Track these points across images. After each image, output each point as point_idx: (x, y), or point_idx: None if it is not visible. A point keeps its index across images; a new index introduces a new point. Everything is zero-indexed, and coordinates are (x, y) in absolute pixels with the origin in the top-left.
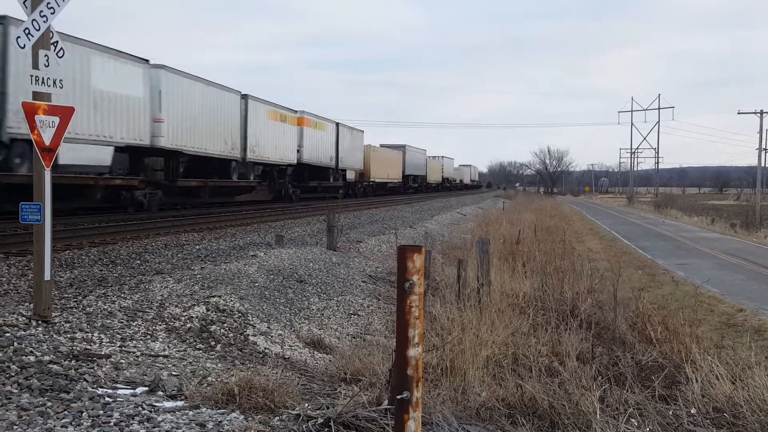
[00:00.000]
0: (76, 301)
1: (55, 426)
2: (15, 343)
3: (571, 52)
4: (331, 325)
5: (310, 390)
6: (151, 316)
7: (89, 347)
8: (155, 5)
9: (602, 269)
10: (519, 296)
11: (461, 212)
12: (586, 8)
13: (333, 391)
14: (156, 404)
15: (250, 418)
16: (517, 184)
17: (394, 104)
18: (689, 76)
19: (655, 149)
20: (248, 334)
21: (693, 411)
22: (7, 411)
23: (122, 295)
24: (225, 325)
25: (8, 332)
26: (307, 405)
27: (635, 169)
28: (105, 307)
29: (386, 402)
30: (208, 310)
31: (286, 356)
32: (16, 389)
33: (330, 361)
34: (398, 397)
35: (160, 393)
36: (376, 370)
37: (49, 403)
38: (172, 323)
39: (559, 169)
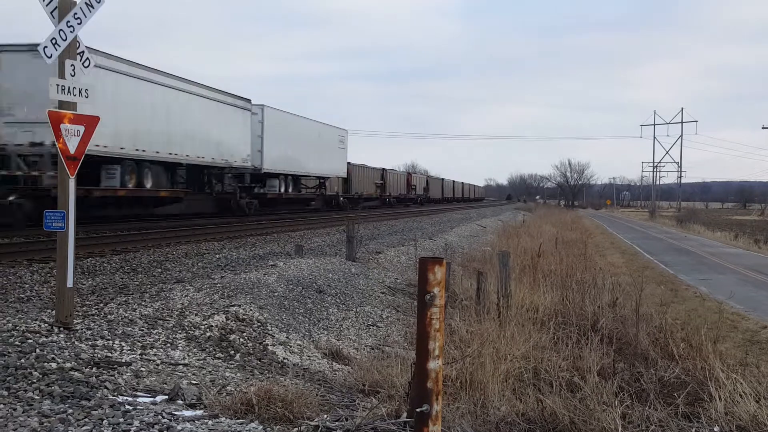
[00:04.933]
0: (97, 309)
1: None
2: (37, 350)
3: (601, 65)
4: (350, 336)
5: (328, 401)
6: (171, 325)
7: (110, 355)
8: (192, 15)
9: (624, 284)
10: (539, 310)
11: (481, 224)
12: (625, 22)
13: (351, 403)
14: (176, 413)
15: (269, 429)
16: (537, 197)
17: (424, 116)
18: (715, 90)
19: (677, 163)
20: (267, 344)
21: (716, 429)
22: (29, 417)
23: (143, 303)
24: (244, 334)
25: (30, 339)
26: (326, 416)
27: (657, 183)
28: (126, 314)
29: (405, 415)
30: (227, 319)
31: (305, 366)
32: (38, 396)
33: (348, 372)
34: (418, 410)
35: (180, 402)
36: (394, 382)
37: (71, 410)
38: (192, 332)
39: (580, 182)
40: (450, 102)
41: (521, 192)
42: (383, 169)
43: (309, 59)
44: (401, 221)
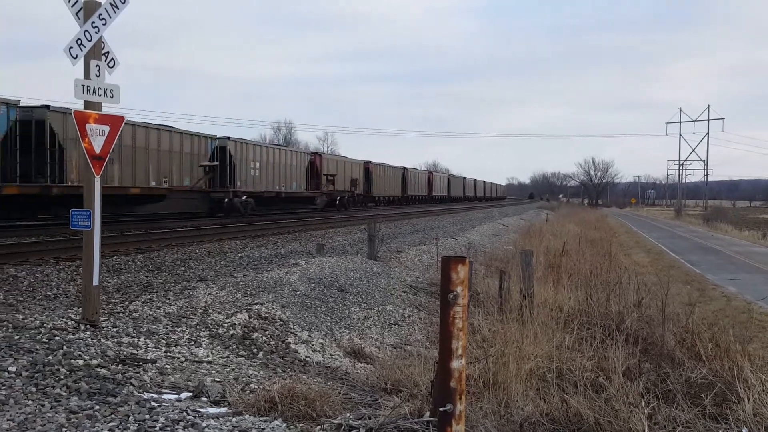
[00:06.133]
0: (122, 306)
1: (102, 429)
2: (64, 347)
3: (625, 62)
4: (372, 335)
5: (351, 399)
6: (195, 323)
7: (135, 352)
8: (205, 16)
9: (649, 283)
10: (563, 309)
11: (503, 223)
12: (650, 19)
13: (374, 402)
14: (200, 410)
15: (292, 427)
16: (560, 196)
17: (446, 116)
18: (743, 88)
19: (704, 161)
20: (290, 342)
21: (744, 431)
22: (56, 413)
23: (167, 301)
24: (267, 332)
25: (58, 336)
26: (348, 415)
27: (683, 181)
28: (150, 312)
29: (428, 414)
30: (250, 317)
31: (327, 365)
32: (65, 392)
33: (371, 370)
34: (441, 409)
35: (204, 399)
36: (417, 381)
37: (97, 407)
38: (215, 330)
39: (604, 181)
40: (472, 102)
41: (544, 191)
42: (221, 138)
43: (319, 61)
44: (422, 220)
